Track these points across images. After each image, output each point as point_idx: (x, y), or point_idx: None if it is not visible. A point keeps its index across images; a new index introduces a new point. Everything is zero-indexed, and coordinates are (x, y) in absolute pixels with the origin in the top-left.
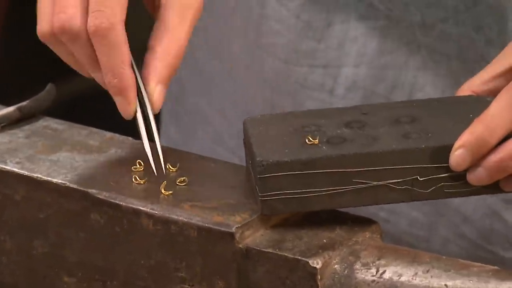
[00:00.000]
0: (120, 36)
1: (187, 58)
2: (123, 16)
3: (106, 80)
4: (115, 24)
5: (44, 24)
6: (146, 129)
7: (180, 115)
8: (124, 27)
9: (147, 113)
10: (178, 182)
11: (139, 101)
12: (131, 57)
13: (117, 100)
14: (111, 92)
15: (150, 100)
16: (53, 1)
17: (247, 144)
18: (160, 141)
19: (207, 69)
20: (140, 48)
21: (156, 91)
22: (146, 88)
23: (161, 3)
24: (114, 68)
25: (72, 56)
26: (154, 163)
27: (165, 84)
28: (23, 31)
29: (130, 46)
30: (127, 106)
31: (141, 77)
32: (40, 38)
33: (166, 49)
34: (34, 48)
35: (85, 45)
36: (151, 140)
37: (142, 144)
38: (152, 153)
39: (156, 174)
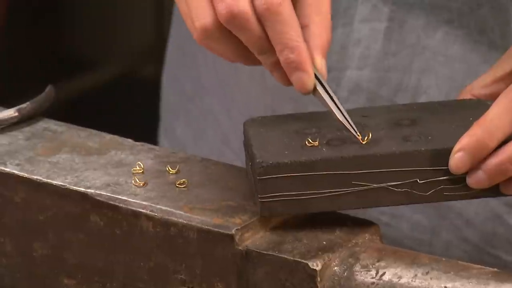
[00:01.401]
0: (291, 10)
1: (207, 57)
2: None
3: (282, 57)
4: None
5: (206, 18)
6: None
7: (191, 113)
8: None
9: (323, 84)
10: (178, 184)
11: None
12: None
13: (296, 76)
14: (288, 69)
15: (320, 73)
16: None
17: (247, 145)
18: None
19: (222, 68)
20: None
21: (323, 65)
22: (313, 63)
23: None
24: (291, 43)
25: (235, 46)
26: (352, 128)
27: (325, 58)
28: (23, 33)
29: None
30: (308, 79)
31: None
32: (200, 36)
33: (318, 26)
34: (33, 50)
35: (256, 26)
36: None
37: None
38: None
39: (359, 137)
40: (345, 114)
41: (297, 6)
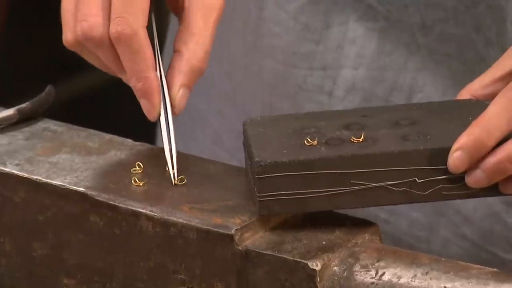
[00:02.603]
0: (142, 41)
1: None
2: (145, 22)
3: (131, 83)
4: (137, 30)
5: (68, 33)
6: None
7: (179, 116)
8: (146, 32)
9: (168, 115)
10: (177, 181)
11: (163, 102)
12: (158, 58)
13: (142, 103)
14: (136, 94)
15: (172, 103)
16: (76, 10)
17: (246, 145)
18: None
19: (208, 69)
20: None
21: (179, 95)
22: (169, 91)
23: (185, 6)
24: (139, 73)
25: (100, 60)
26: (172, 166)
27: (189, 88)
28: (22, 33)
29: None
30: (151, 109)
31: (166, 79)
32: (66, 46)
33: (192, 53)
34: (33, 50)
35: (109, 50)
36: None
37: (161, 146)
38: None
39: (172, 179)
40: (173, 153)
41: (179, 28)
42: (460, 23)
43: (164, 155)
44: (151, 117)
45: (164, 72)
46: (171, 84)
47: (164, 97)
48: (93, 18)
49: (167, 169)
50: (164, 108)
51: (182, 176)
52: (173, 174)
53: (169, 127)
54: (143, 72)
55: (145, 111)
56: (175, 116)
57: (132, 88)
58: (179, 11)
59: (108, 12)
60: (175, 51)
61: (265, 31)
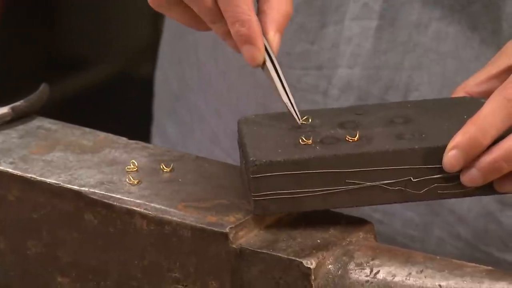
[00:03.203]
0: None
1: (190, 55)
2: None
3: (233, 30)
4: None
5: None
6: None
7: (179, 113)
8: None
9: (273, 61)
10: (164, 167)
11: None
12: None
13: (246, 49)
14: (238, 41)
15: (272, 47)
16: None
17: (241, 144)
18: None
19: (207, 67)
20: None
21: (275, 39)
22: (266, 37)
23: None
24: (242, 16)
25: (188, 13)
26: (294, 110)
27: (281, 32)
28: (17, 32)
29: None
30: (257, 53)
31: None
32: (153, 3)
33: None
34: (28, 49)
35: None
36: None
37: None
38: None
39: (297, 118)
40: (290, 94)
41: None
42: (456, 21)
43: (283, 99)
44: (256, 62)
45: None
46: (266, 30)
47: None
48: None
49: (161, 166)
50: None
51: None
52: (296, 113)
53: (277, 69)
54: (246, 15)
55: (248, 58)
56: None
57: (234, 35)
58: None
59: None
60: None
61: None
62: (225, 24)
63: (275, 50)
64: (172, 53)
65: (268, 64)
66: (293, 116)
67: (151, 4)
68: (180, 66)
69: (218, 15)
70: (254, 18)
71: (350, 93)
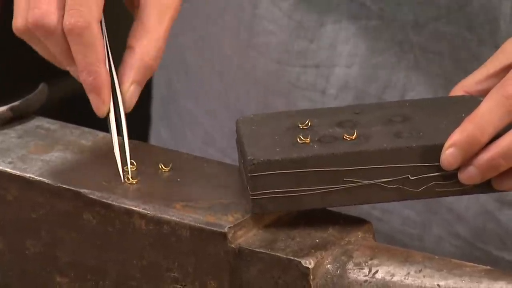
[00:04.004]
0: (95, 35)
1: (176, 59)
2: (99, 15)
3: (81, 77)
4: (91, 23)
5: (19, 19)
6: (117, 128)
7: (170, 116)
8: (99, 26)
9: (120, 112)
10: (162, 166)
11: (114, 99)
12: (108, 54)
13: (91, 97)
14: (86, 89)
15: (123, 99)
16: None
17: (239, 143)
18: (128, 141)
19: (196, 69)
20: (120, 47)
21: (129, 91)
22: (120, 87)
23: (140, 2)
24: (89, 66)
25: (48, 50)
26: (121, 163)
27: (140, 84)
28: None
29: (110, 45)
30: (101, 105)
31: (117, 75)
32: (15, 32)
33: (144, 50)
34: (26, 48)
35: (60, 41)
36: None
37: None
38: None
39: (121, 175)
40: (126, 146)
41: (133, 25)
42: (453, 21)
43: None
44: (100, 113)
45: (115, 68)
46: (122, 80)
47: (115, 93)
48: (46, 6)
49: (160, 165)
50: (114, 104)
51: (135, 175)
52: (124, 171)
53: (121, 123)
54: (94, 66)
55: (94, 107)
56: (125, 112)
57: (82, 83)
58: (135, 7)
59: (62, 2)
60: (128, 47)
61: (259, 29)
62: None
63: (127, 102)
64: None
65: (111, 115)
66: (288, 116)
67: (14, 29)
68: (167, 71)
69: (72, 59)
70: (102, 70)
71: (348, 92)
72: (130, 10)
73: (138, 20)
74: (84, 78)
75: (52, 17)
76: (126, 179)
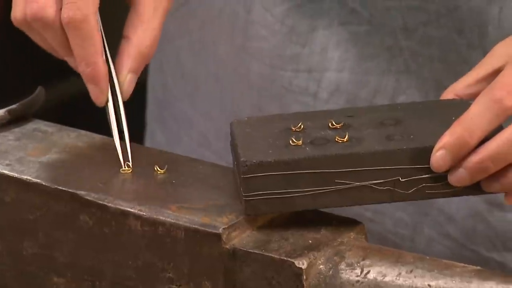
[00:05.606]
0: (93, 27)
1: (172, 62)
2: (96, 7)
3: (79, 68)
4: (88, 16)
5: (18, 11)
6: (116, 116)
7: (165, 119)
8: (96, 18)
9: (118, 100)
10: (158, 168)
11: (111, 88)
12: (105, 45)
13: (90, 88)
14: (84, 79)
15: (120, 88)
16: None
17: (233, 145)
18: (129, 134)
19: (191, 72)
20: (117, 37)
21: (127, 80)
22: (117, 76)
23: None
24: (87, 58)
25: (47, 41)
26: (122, 153)
27: (136, 73)
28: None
29: (105, 35)
30: (100, 94)
31: (114, 65)
32: (14, 23)
33: (140, 39)
34: (24, 52)
35: (58, 33)
36: (121, 131)
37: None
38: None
39: (122, 164)
40: (126, 135)
41: (129, 15)
42: (442, 26)
43: (115, 142)
44: (99, 102)
45: (111, 59)
46: (119, 70)
47: (112, 82)
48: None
49: (155, 168)
50: (112, 93)
51: (130, 164)
52: (124, 157)
53: (120, 112)
54: (91, 57)
55: (92, 97)
56: (123, 100)
57: (81, 74)
58: None
59: None
60: (124, 37)
61: (252, 34)
62: None
63: (124, 91)
64: (154, 62)
65: (109, 105)
66: (282, 119)
67: (12, 20)
68: (163, 74)
69: (70, 50)
70: (100, 60)
71: (339, 96)
72: (126, 1)
73: (134, 11)
74: (82, 69)
75: (50, 11)
76: (126, 166)
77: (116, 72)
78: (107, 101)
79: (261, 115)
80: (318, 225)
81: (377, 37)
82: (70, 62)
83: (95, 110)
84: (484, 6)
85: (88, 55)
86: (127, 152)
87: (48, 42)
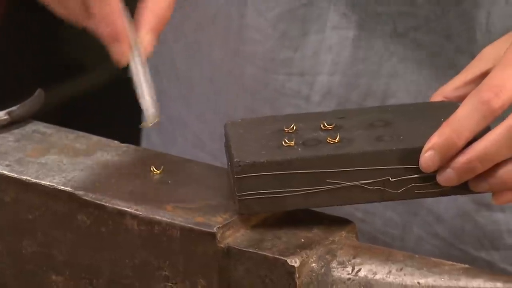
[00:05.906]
0: None
1: (167, 65)
2: None
3: (99, 29)
4: None
5: None
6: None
7: (161, 121)
8: None
9: (138, 60)
10: (154, 169)
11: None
12: (122, 5)
13: (112, 48)
14: (105, 41)
15: (142, 45)
16: None
17: (227, 146)
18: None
19: (186, 75)
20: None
21: (146, 38)
22: (137, 36)
23: None
24: (107, 18)
25: (67, 8)
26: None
27: (155, 34)
28: (14, 37)
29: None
30: (122, 54)
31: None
32: None
33: (156, 2)
34: (24, 54)
35: None
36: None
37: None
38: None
39: (150, 114)
40: (147, 94)
41: None
42: (431, 31)
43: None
44: (122, 61)
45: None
46: (139, 30)
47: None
48: None
49: (152, 168)
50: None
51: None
52: (150, 113)
53: (143, 69)
54: (111, 16)
55: (115, 57)
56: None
57: (101, 36)
58: None
59: None
60: (140, 1)
61: (246, 38)
62: None
63: (145, 47)
64: (149, 64)
65: (133, 63)
66: (274, 120)
67: None
68: (158, 76)
69: (89, 15)
70: (119, 19)
71: (331, 99)
72: None
73: None
74: (102, 30)
75: None
76: (152, 118)
77: (135, 32)
78: (129, 60)
79: (255, 117)
80: (310, 224)
81: (367, 41)
82: (90, 26)
83: (93, 112)
84: (472, 12)
85: (107, 14)
86: (154, 104)
87: (69, 7)
